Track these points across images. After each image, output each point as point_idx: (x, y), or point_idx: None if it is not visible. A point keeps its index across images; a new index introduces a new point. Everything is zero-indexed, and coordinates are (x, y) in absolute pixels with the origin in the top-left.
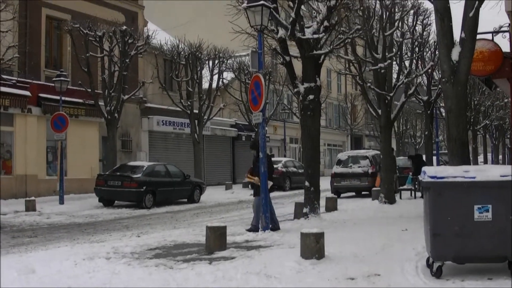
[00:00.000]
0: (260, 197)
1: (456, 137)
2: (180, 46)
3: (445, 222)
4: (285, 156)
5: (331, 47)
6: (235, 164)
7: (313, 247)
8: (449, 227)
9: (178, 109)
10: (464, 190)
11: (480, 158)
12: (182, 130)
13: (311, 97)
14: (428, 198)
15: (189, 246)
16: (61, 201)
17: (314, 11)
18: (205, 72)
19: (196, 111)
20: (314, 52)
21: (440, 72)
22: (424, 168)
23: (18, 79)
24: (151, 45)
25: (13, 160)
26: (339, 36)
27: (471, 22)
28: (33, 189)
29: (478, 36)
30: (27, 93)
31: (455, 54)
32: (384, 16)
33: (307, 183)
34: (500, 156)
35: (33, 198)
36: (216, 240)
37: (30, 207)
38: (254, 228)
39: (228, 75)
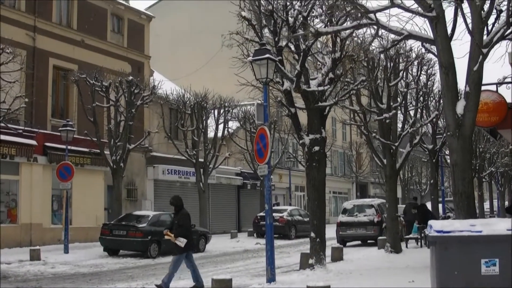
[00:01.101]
0: (177, 256)
1: (462, 191)
2: (185, 96)
3: (452, 276)
4: (290, 204)
5: (336, 98)
6: (240, 213)
7: None
8: (456, 282)
9: (183, 158)
10: (471, 244)
11: (486, 204)
12: (187, 179)
13: (316, 148)
14: (435, 252)
15: None
16: (66, 250)
17: (319, 63)
18: (211, 122)
19: (201, 160)
20: (319, 104)
21: (444, 120)
22: (431, 222)
23: (25, 128)
24: (157, 95)
25: (18, 209)
26: (344, 87)
27: (475, 76)
28: (38, 238)
29: (483, 88)
30: (33, 142)
31: (459, 107)
32: (389, 66)
33: (313, 234)
34: (506, 202)
35: (38, 247)
36: None
37: (35, 256)
38: (163, 285)
39: (233, 124)
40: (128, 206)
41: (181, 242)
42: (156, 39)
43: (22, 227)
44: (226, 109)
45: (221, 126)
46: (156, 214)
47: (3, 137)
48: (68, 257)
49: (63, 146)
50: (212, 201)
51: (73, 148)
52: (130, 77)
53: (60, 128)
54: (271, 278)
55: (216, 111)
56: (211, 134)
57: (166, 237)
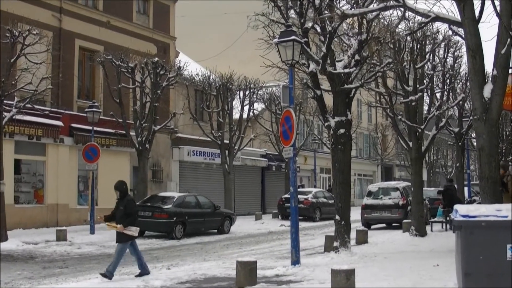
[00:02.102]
0: (122, 244)
1: (488, 176)
2: (211, 77)
3: (477, 261)
4: (315, 186)
5: (362, 81)
6: (265, 194)
7: (343, 284)
8: (481, 267)
9: (208, 139)
10: (497, 229)
11: None
12: (212, 161)
13: (342, 131)
14: (460, 237)
15: (219, 280)
16: (92, 231)
17: (345, 45)
18: (236, 103)
19: (226, 141)
20: (345, 86)
21: (471, 103)
22: (456, 207)
23: (51, 109)
24: (182, 76)
25: (44, 190)
26: (370, 69)
27: (503, 59)
28: (64, 218)
29: (510, 71)
30: (60, 123)
31: (487, 91)
32: (415, 48)
33: (337, 217)
34: None
35: (64, 227)
36: (247, 275)
37: (61, 236)
38: (108, 274)
39: (258, 106)
40: (153, 188)
41: (133, 231)
42: (181, 20)
43: (49, 207)
44: (251, 90)
45: (246, 108)
46: (181, 195)
47: (30, 118)
48: (94, 237)
49: (89, 127)
50: (237, 182)
51: (99, 129)
52: (156, 59)
53: (86, 110)
54: (295, 261)
55: (241, 93)
56: (236, 115)
57: (107, 228)
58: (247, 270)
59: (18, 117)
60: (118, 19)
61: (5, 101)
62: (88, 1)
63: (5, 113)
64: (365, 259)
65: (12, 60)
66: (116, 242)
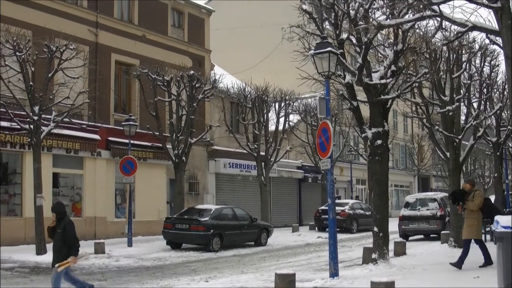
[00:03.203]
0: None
1: None
2: (246, 89)
3: None
4: (351, 198)
5: (399, 91)
6: (302, 206)
7: None
8: None
9: (244, 151)
10: None
11: None
12: (248, 173)
13: (379, 142)
14: (501, 249)
15: None
16: (130, 244)
17: (380, 56)
18: (271, 115)
19: (262, 153)
20: (382, 97)
21: (509, 112)
22: (497, 218)
23: (88, 123)
24: (218, 88)
25: (82, 203)
26: (406, 80)
27: None
28: (102, 231)
29: None
30: (97, 137)
31: None
32: (452, 58)
33: (376, 229)
34: None
35: (102, 240)
36: None
37: (99, 249)
38: None
39: (294, 118)
40: (190, 200)
41: (84, 256)
42: (216, 33)
43: (87, 220)
44: (286, 102)
45: (282, 120)
46: (218, 208)
47: (68, 132)
48: (132, 250)
49: (126, 141)
50: (273, 194)
51: (135, 142)
52: (191, 71)
53: (123, 123)
54: (334, 273)
55: (277, 104)
56: (272, 127)
57: (60, 269)
58: (286, 282)
59: (56, 131)
60: (153, 33)
61: (43, 115)
62: (123, 15)
63: (43, 127)
64: (403, 271)
65: (49, 74)
66: (53, 266)
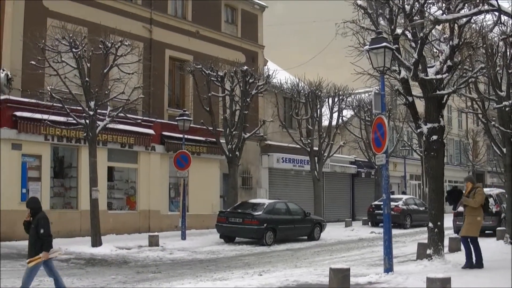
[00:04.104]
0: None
1: None
2: (300, 85)
3: None
4: (404, 193)
5: (455, 87)
6: (355, 201)
7: None
8: None
9: (297, 146)
10: None
11: None
12: (301, 167)
13: (434, 137)
14: None
15: (311, 287)
16: (183, 237)
17: (436, 51)
18: (325, 110)
19: (316, 148)
20: (437, 92)
21: None
22: None
23: (143, 118)
24: (271, 84)
25: (136, 196)
26: (462, 75)
27: None
28: (156, 224)
29: None
30: (151, 131)
31: None
32: (508, 53)
33: (431, 224)
34: None
35: (156, 233)
36: (340, 282)
37: (154, 242)
38: None
39: (347, 113)
40: (243, 194)
41: (56, 251)
42: (269, 29)
43: (141, 214)
44: (340, 97)
45: (335, 115)
46: (272, 202)
47: (122, 126)
48: (185, 243)
49: (180, 135)
50: (326, 189)
51: (189, 137)
52: (245, 67)
53: (177, 118)
54: (388, 268)
55: (330, 100)
56: (325, 122)
57: (30, 264)
58: (340, 277)
59: (111, 125)
60: (207, 28)
61: (98, 111)
62: (177, 12)
63: (98, 122)
64: (459, 267)
65: (105, 70)
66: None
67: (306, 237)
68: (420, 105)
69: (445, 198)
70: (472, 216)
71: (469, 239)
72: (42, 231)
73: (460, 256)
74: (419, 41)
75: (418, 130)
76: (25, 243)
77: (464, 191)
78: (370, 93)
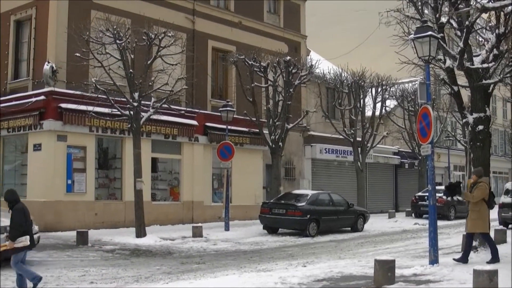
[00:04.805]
0: (15, 255)
1: None
2: (343, 75)
3: None
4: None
5: (501, 76)
6: (398, 192)
7: (486, 284)
8: None
9: (340, 137)
10: None
11: None
12: (344, 158)
13: (480, 127)
14: None
15: (356, 279)
16: (227, 228)
17: (481, 39)
18: (368, 100)
19: (359, 139)
20: (483, 81)
21: None
22: None
23: (186, 109)
24: (314, 74)
25: (180, 187)
26: (508, 63)
27: None
28: (199, 215)
29: None
30: (194, 122)
31: None
32: None
33: None
34: None
35: (200, 224)
36: (385, 274)
37: (197, 233)
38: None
39: (390, 103)
40: (286, 185)
41: (23, 241)
42: (312, 19)
43: (184, 204)
44: (383, 87)
45: (378, 105)
46: (315, 193)
47: (166, 117)
48: (229, 234)
49: (223, 126)
50: (369, 180)
51: (232, 128)
52: (288, 57)
53: (221, 109)
54: (434, 260)
55: (373, 90)
56: (368, 113)
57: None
58: (385, 269)
59: (155, 117)
60: (249, 19)
61: (142, 102)
62: (219, 2)
63: (142, 113)
64: (505, 259)
65: (149, 62)
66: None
67: (349, 229)
68: (465, 95)
69: (443, 192)
70: (474, 211)
71: (481, 236)
72: (12, 221)
73: (506, 248)
74: (464, 30)
75: (464, 120)
76: (72, 233)
77: (463, 185)
78: (414, 83)
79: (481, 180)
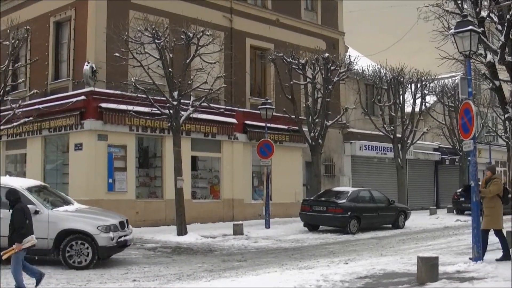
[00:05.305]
0: (17, 256)
1: None
2: (381, 71)
3: None
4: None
5: None
6: (439, 188)
7: None
8: None
9: (380, 133)
10: None
11: None
12: (384, 155)
13: None
14: None
15: (398, 276)
16: (267, 225)
17: None
18: (407, 96)
19: (399, 135)
20: None
21: None
22: None
23: (225, 107)
24: (353, 71)
25: (220, 185)
26: None
27: None
28: (240, 213)
29: None
30: (234, 120)
31: None
32: None
33: None
34: None
35: (240, 222)
36: (428, 271)
37: (238, 230)
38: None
39: (430, 99)
40: (325, 182)
41: (30, 241)
42: (349, 15)
43: (225, 202)
44: (423, 83)
45: (418, 101)
46: (355, 190)
47: (205, 116)
48: (269, 232)
49: (262, 124)
50: (409, 176)
51: (272, 125)
52: (326, 54)
53: (260, 106)
54: (477, 257)
55: (413, 86)
56: (408, 109)
57: (4, 256)
58: (429, 266)
59: (194, 115)
60: (287, 16)
61: (182, 100)
62: (257, 0)
63: (182, 112)
64: None
65: (187, 60)
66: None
67: (390, 225)
68: (507, 90)
69: (460, 192)
70: (488, 208)
71: (494, 232)
72: (14, 222)
73: None
74: (505, 24)
75: (506, 115)
76: None
77: (480, 182)
78: (454, 78)
79: (495, 176)
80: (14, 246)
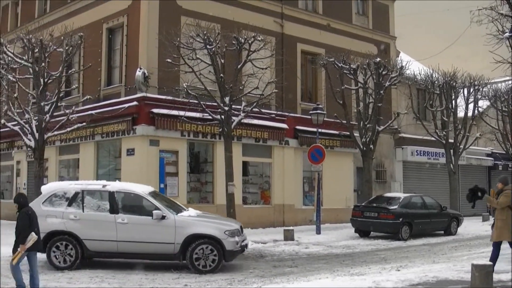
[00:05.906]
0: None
1: None
2: (433, 76)
3: None
4: None
5: None
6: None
7: None
8: None
9: (432, 139)
10: None
11: None
12: (436, 160)
13: None
14: None
15: (452, 283)
16: (318, 231)
17: None
18: (460, 101)
19: (451, 140)
20: None
21: None
22: None
23: (276, 112)
24: (404, 75)
25: (271, 190)
26: None
27: None
28: (290, 218)
29: None
30: (285, 126)
31: None
32: None
33: None
34: None
35: (291, 227)
36: (482, 279)
37: (289, 236)
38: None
39: (483, 103)
40: (377, 188)
41: (31, 238)
42: (401, 19)
43: (275, 208)
44: (476, 87)
45: (471, 106)
46: (407, 196)
47: (257, 121)
48: (320, 237)
49: (313, 129)
50: (462, 182)
51: (323, 130)
52: (378, 59)
53: (311, 112)
54: None
55: (465, 90)
56: (460, 113)
57: (14, 262)
58: (483, 273)
59: (245, 120)
60: (338, 21)
61: (233, 106)
62: (307, 5)
63: (233, 117)
64: None
65: (239, 66)
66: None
67: (442, 232)
68: None
69: (466, 195)
70: (499, 220)
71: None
72: (18, 226)
73: None
74: None
75: None
76: None
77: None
78: (508, 83)
79: (507, 188)
80: (19, 249)
